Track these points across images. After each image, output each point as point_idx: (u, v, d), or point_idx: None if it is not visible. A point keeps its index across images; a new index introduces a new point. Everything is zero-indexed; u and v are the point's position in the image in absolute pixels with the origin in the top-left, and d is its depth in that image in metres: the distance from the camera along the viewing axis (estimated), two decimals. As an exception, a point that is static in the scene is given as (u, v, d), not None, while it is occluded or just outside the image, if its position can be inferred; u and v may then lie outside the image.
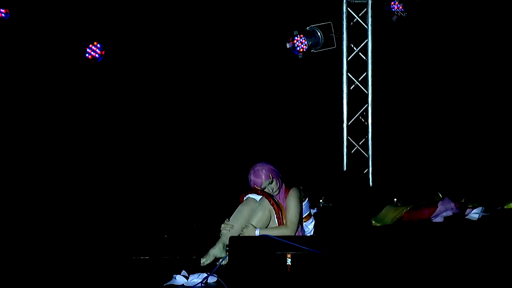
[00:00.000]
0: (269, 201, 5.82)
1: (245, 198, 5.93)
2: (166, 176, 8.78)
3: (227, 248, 5.21)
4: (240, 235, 5.72)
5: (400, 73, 8.73)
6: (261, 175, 5.83)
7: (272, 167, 5.88)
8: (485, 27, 8.72)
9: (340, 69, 8.50)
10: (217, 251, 5.72)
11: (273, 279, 4.92)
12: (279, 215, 5.80)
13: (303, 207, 5.91)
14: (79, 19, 8.22)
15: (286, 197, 5.86)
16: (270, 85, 8.85)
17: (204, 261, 5.70)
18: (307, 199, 6.01)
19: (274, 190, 5.86)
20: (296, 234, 5.80)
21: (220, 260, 5.66)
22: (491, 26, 8.72)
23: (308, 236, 5.82)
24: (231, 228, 5.78)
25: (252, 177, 5.87)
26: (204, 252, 5.84)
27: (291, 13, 8.45)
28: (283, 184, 5.91)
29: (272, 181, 5.84)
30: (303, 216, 5.92)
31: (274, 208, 5.81)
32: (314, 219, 6.10)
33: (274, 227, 5.79)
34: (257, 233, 5.70)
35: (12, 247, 6.55)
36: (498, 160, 8.77)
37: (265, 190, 5.86)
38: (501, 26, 8.69)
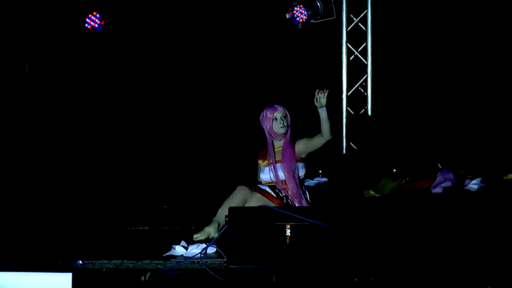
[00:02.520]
0: (270, 199, 5.81)
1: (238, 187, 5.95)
2: (166, 146, 8.78)
3: (226, 219, 5.22)
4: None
5: (400, 43, 8.69)
6: (278, 107, 6.01)
7: None
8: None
9: (340, 39, 8.48)
10: (212, 229, 5.70)
11: (272, 250, 4.94)
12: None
13: (300, 167, 5.95)
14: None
15: (293, 148, 5.91)
16: (270, 56, 8.82)
17: (198, 236, 5.66)
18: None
19: (283, 125, 5.95)
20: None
21: (220, 231, 5.66)
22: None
23: (307, 207, 5.82)
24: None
25: (266, 110, 6.02)
26: (203, 222, 5.86)
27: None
28: (289, 137, 5.95)
29: (286, 116, 5.97)
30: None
31: (274, 203, 5.80)
32: (312, 190, 6.13)
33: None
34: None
35: (11, 214, 6.60)
36: (498, 132, 8.75)
37: (274, 121, 5.94)
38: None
